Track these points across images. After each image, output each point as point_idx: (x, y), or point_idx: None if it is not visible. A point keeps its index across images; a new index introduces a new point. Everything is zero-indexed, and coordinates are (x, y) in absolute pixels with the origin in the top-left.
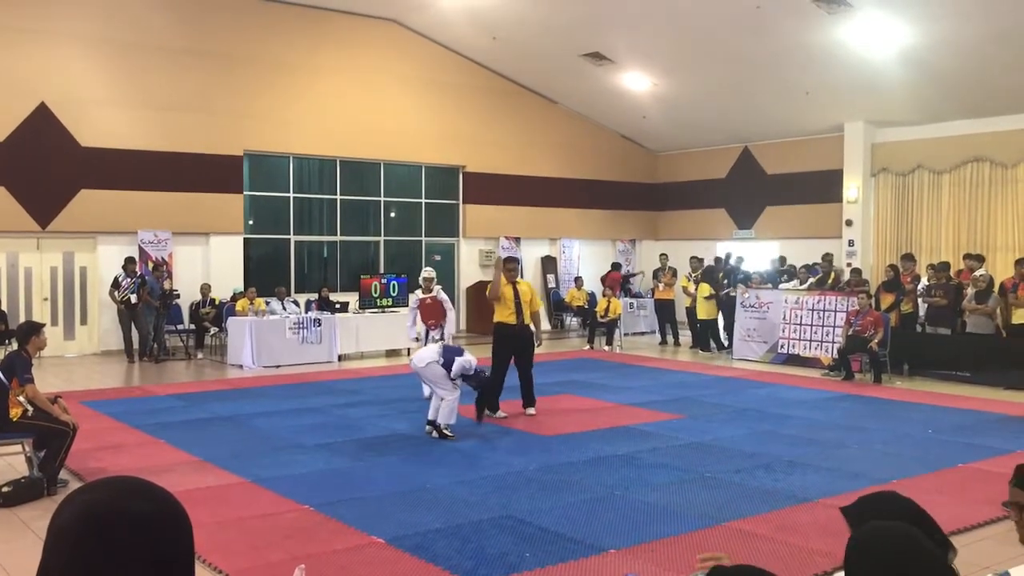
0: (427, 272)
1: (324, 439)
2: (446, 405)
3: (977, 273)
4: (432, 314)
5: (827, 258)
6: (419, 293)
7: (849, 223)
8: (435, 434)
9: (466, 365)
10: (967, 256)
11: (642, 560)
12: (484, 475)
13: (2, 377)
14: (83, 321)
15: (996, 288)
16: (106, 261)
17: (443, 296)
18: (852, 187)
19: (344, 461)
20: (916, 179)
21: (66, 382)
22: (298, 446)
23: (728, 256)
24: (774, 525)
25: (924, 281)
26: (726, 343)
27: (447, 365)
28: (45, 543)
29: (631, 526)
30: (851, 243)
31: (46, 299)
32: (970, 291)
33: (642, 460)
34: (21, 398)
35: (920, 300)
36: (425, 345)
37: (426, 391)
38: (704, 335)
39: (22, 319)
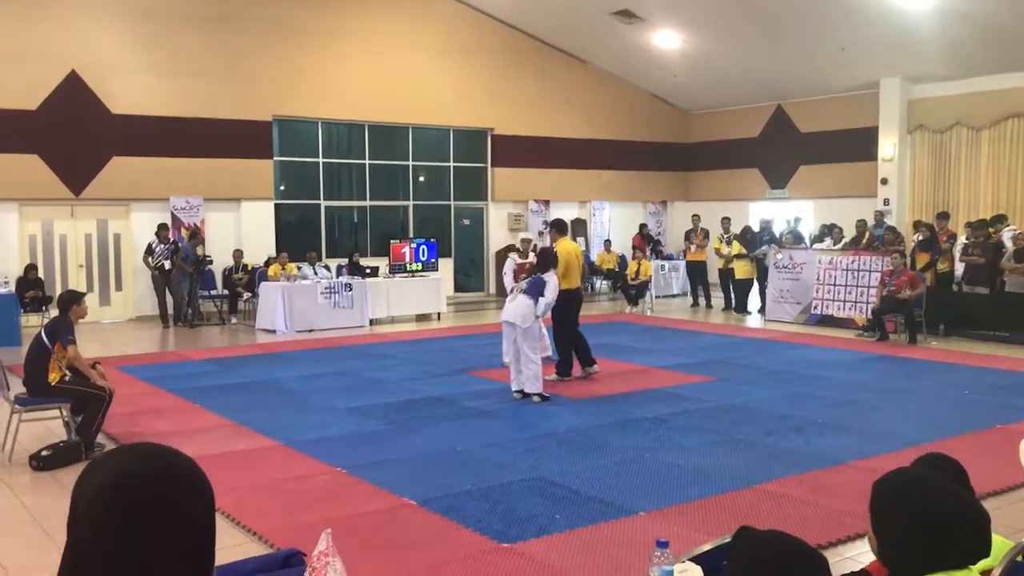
0: (526, 235)
1: (356, 403)
2: (529, 373)
3: (1015, 232)
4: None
5: (860, 223)
6: (516, 256)
7: (885, 182)
8: (533, 398)
9: (550, 302)
10: (995, 219)
11: (672, 522)
12: (514, 437)
13: (46, 340)
14: (118, 287)
15: None
16: (139, 228)
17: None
18: (888, 145)
19: (376, 424)
20: (954, 136)
21: (103, 348)
22: (330, 409)
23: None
24: (806, 487)
25: (962, 240)
26: (749, 307)
27: (533, 294)
28: (73, 513)
29: (661, 488)
30: (886, 202)
31: (81, 266)
32: (1009, 249)
33: (673, 422)
34: (61, 362)
35: (958, 259)
36: (512, 296)
37: (506, 357)
38: (742, 296)
39: (58, 286)
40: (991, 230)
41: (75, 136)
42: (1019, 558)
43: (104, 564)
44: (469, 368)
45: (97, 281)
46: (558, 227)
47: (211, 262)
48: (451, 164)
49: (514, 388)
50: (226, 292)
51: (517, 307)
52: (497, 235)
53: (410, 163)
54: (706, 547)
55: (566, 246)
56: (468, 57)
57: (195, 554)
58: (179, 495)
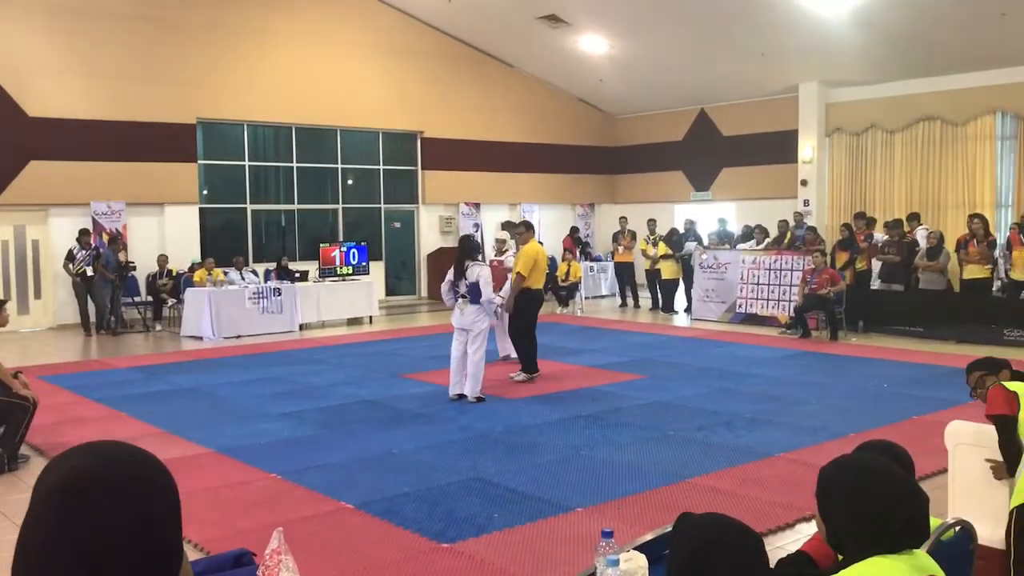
0: (500, 234)
1: (289, 408)
2: (472, 373)
3: (929, 230)
4: (495, 279)
5: (782, 224)
6: (491, 255)
7: (804, 183)
8: (470, 399)
9: (490, 297)
10: (910, 217)
11: (609, 517)
12: (451, 439)
13: None
14: (37, 295)
15: (952, 245)
16: (59, 234)
17: (509, 263)
18: (807, 147)
19: (310, 429)
20: (869, 138)
21: (22, 357)
22: (263, 415)
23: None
24: (737, 480)
25: (879, 236)
26: (676, 306)
27: (477, 298)
28: (28, 509)
29: (597, 485)
30: (806, 203)
31: None
32: (922, 248)
33: (606, 420)
34: None
35: (875, 257)
36: (461, 310)
37: (453, 382)
38: (668, 295)
39: None
40: (906, 229)
41: None
42: (943, 537)
43: (52, 570)
44: (403, 371)
45: (15, 289)
46: (529, 227)
47: (134, 268)
48: (380, 167)
49: (453, 392)
50: (150, 298)
51: (468, 315)
52: (428, 238)
53: (339, 166)
54: (648, 536)
55: (535, 247)
56: (396, 60)
57: (156, 555)
58: (133, 495)
